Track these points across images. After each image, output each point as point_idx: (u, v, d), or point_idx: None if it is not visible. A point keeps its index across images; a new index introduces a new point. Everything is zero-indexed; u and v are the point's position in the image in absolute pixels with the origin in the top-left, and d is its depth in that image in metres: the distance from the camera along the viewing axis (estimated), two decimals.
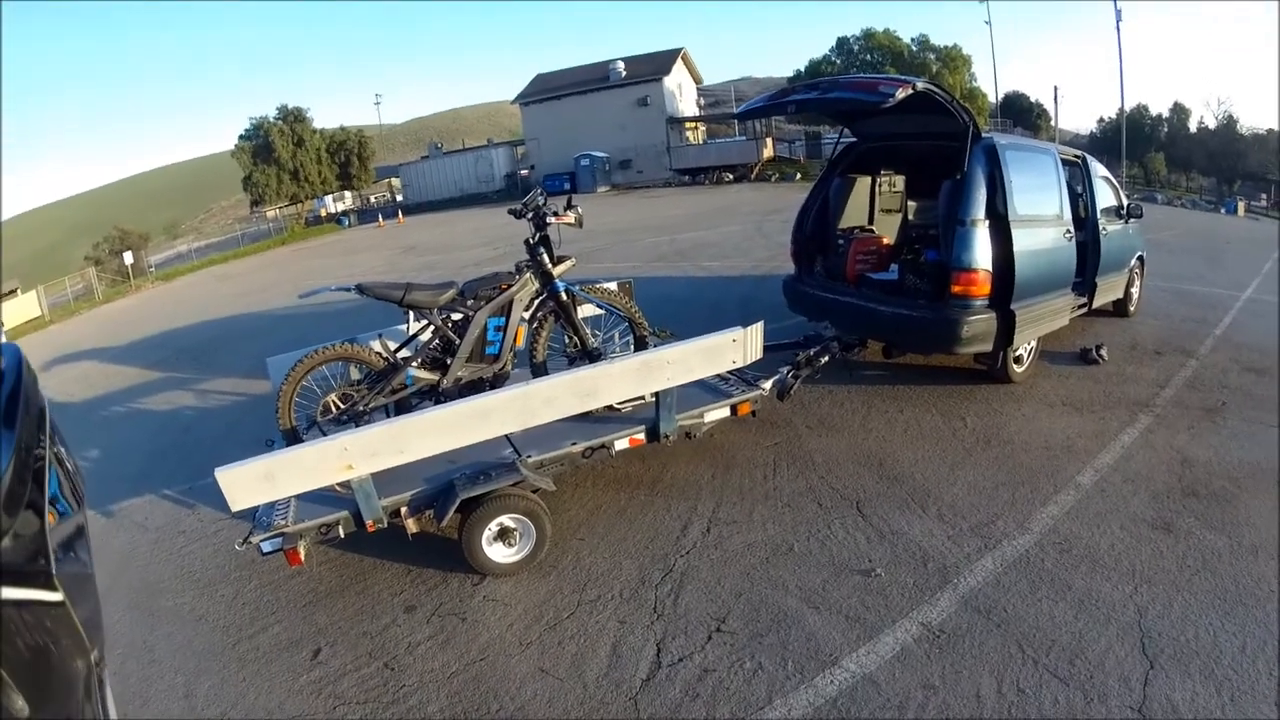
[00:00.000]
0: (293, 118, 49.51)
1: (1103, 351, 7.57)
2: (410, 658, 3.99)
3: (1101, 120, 62.59)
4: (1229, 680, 3.33)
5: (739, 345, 5.01)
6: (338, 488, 4.35)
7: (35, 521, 1.55)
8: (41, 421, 1.85)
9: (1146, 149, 57.18)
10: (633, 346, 5.73)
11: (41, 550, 1.54)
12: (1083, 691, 3.31)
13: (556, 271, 5.38)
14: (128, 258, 35.49)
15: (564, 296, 5.41)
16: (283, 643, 4.28)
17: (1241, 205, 39.37)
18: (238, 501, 3.94)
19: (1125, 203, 8.85)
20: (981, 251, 6.15)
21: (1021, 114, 60.09)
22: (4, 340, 1.89)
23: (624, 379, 4.72)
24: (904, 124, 7.14)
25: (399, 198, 52.90)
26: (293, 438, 4.85)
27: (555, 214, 5.38)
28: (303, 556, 4.33)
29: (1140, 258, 9.48)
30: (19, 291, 30.60)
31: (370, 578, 4.78)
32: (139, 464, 7.54)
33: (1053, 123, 53.50)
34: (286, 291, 17.74)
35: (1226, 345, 8.21)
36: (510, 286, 5.27)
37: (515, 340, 5.32)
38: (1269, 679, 3.32)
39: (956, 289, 6.21)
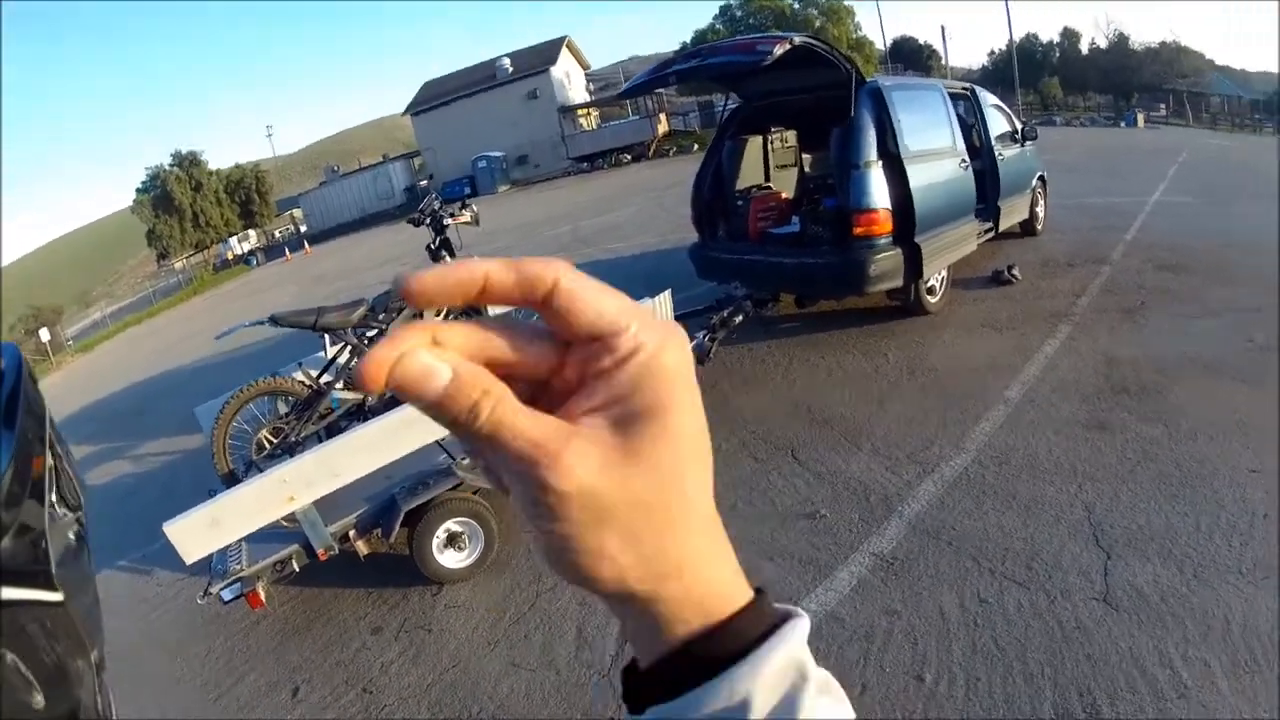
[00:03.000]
0: (188, 162, 48.44)
1: (1015, 271, 7.77)
2: (386, 678, 3.99)
3: (992, 53, 63.74)
4: (1189, 557, 3.45)
5: None
6: (284, 522, 4.31)
7: (35, 522, 1.55)
8: (41, 422, 1.83)
9: (1040, 75, 58.16)
10: None
11: (41, 550, 1.54)
12: (1044, 591, 3.42)
13: None
14: (44, 335, 34.38)
15: None
16: (261, 688, 4.24)
17: (1141, 117, 40.56)
18: (190, 553, 3.89)
19: (1019, 127, 9.08)
20: (878, 191, 6.27)
21: (911, 56, 60.85)
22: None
23: None
24: (789, 80, 7.23)
25: (303, 228, 52.03)
26: (232, 481, 4.78)
27: (451, 215, 5.38)
28: (263, 598, 4.30)
29: (1041, 178, 9.74)
30: None
31: (333, 607, 4.75)
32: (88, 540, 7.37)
33: (944, 62, 54.52)
34: (205, 340, 17.31)
35: (1138, 249, 8.49)
36: None
37: None
38: (1228, 549, 3.45)
39: (859, 230, 6.32)
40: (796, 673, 0.38)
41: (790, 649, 0.39)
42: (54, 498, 1.75)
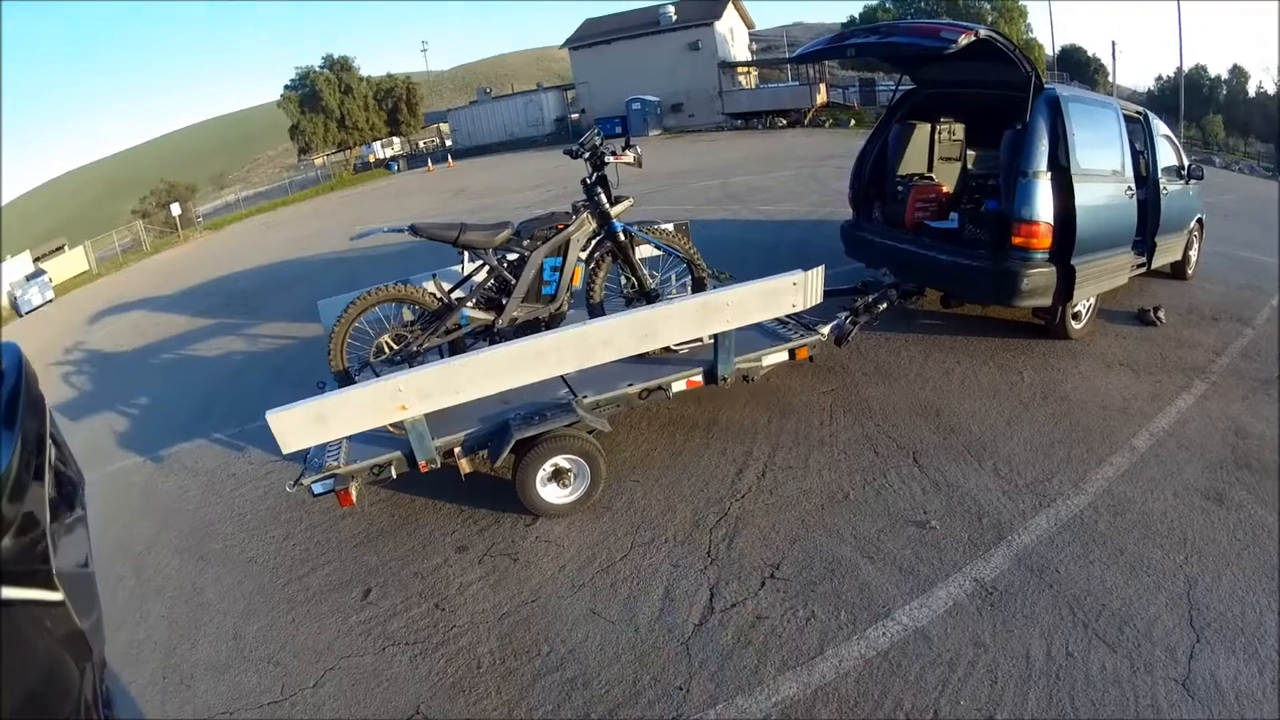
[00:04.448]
0: (339, 67, 49.52)
1: (1160, 313, 7.40)
2: (461, 598, 4.04)
3: (1160, 78, 60.90)
4: (1272, 660, 3.27)
5: (799, 289, 4.95)
6: (391, 428, 4.37)
7: (36, 521, 1.56)
8: (42, 421, 1.85)
9: (1205, 111, 55.56)
10: (690, 288, 5.69)
11: (42, 550, 1.54)
12: (1129, 660, 3.28)
13: (614, 212, 5.31)
14: (175, 209, 35.61)
15: (621, 237, 5.35)
16: (333, 583, 4.35)
17: None
18: (289, 444, 3.97)
19: (1186, 163, 8.60)
20: (1043, 204, 6.00)
21: (1078, 68, 58.44)
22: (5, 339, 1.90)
23: (682, 320, 4.68)
24: (962, 71, 6.98)
25: (448, 143, 52.57)
26: (345, 379, 4.87)
27: (614, 153, 5.31)
28: (354, 497, 4.38)
29: (1200, 220, 9.22)
30: (66, 248, 30.70)
31: (422, 518, 4.83)
32: (190, 409, 7.66)
33: (1110, 78, 52.05)
34: (336, 236, 17.75)
35: None
36: (567, 227, 5.22)
37: (572, 281, 5.28)
38: None
39: (1017, 240, 6.08)
40: None
41: None
42: (55, 497, 1.76)
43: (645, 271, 5.56)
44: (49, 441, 1.81)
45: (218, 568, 4.74)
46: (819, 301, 5.19)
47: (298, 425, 3.95)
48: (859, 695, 3.20)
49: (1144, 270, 7.71)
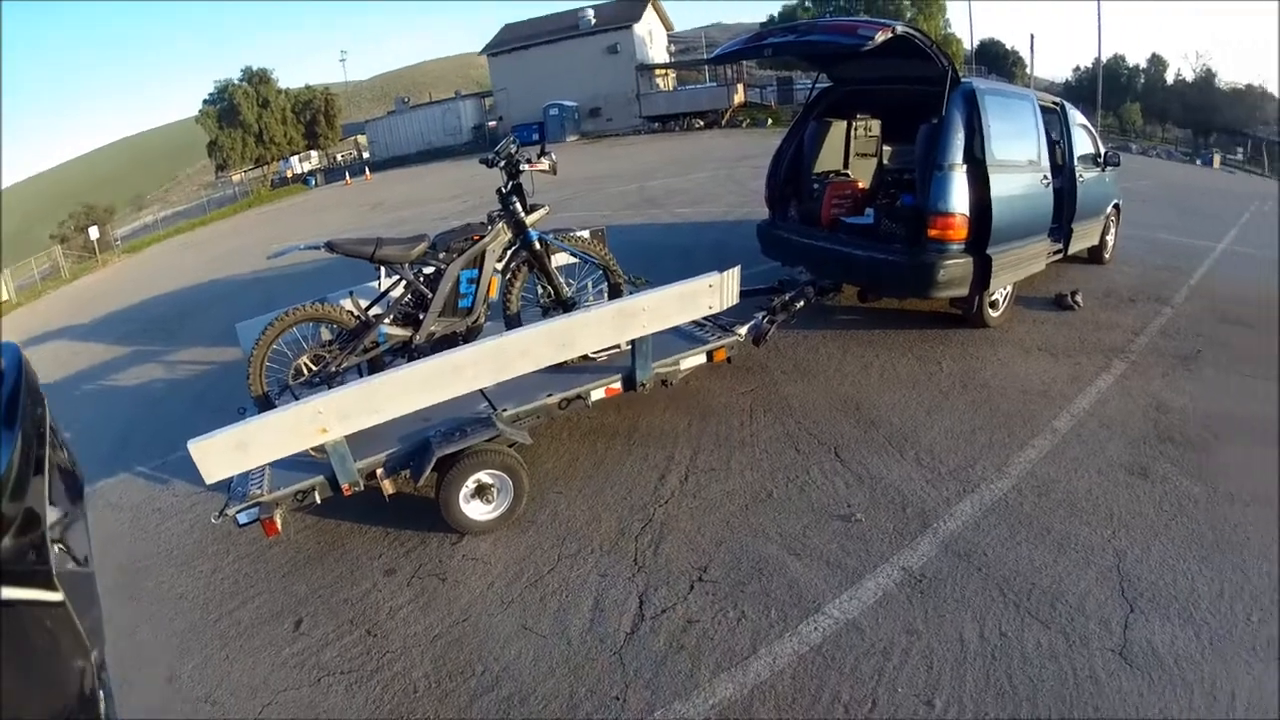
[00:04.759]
0: (257, 79, 48.80)
1: (1078, 297, 7.58)
2: (392, 622, 3.95)
3: (1077, 69, 62.29)
4: (1207, 624, 3.36)
5: (715, 291, 4.97)
6: (312, 452, 4.28)
7: (36, 521, 1.53)
8: (42, 420, 1.81)
9: (1122, 99, 57.01)
10: (607, 295, 5.66)
11: (41, 550, 1.51)
12: (1064, 635, 3.34)
13: (530, 220, 5.27)
14: (93, 233, 34.97)
15: (537, 246, 5.31)
16: (264, 616, 4.22)
17: (1217, 158, 39.49)
18: (212, 473, 3.86)
19: (1102, 151, 8.83)
20: (959, 196, 6.10)
21: (997, 61, 59.61)
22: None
23: (599, 328, 4.67)
24: (879, 68, 7.06)
25: (366, 154, 52.42)
26: (265, 404, 4.75)
27: (529, 161, 5.27)
28: (279, 525, 4.26)
29: (1116, 205, 9.48)
30: None
31: (348, 542, 4.73)
32: (111, 442, 7.41)
33: (1028, 70, 53.30)
34: (254, 255, 17.42)
35: (1201, 295, 8.23)
36: (483, 237, 5.16)
37: (489, 292, 5.22)
38: (1246, 623, 3.36)
39: (933, 233, 6.17)
40: None
41: None
42: (55, 497, 1.71)
43: (561, 280, 5.53)
44: (49, 441, 1.76)
45: (150, 605, 4.57)
46: (736, 302, 5.21)
47: (219, 454, 3.83)
48: (796, 691, 3.20)
49: (1061, 256, 7.89)
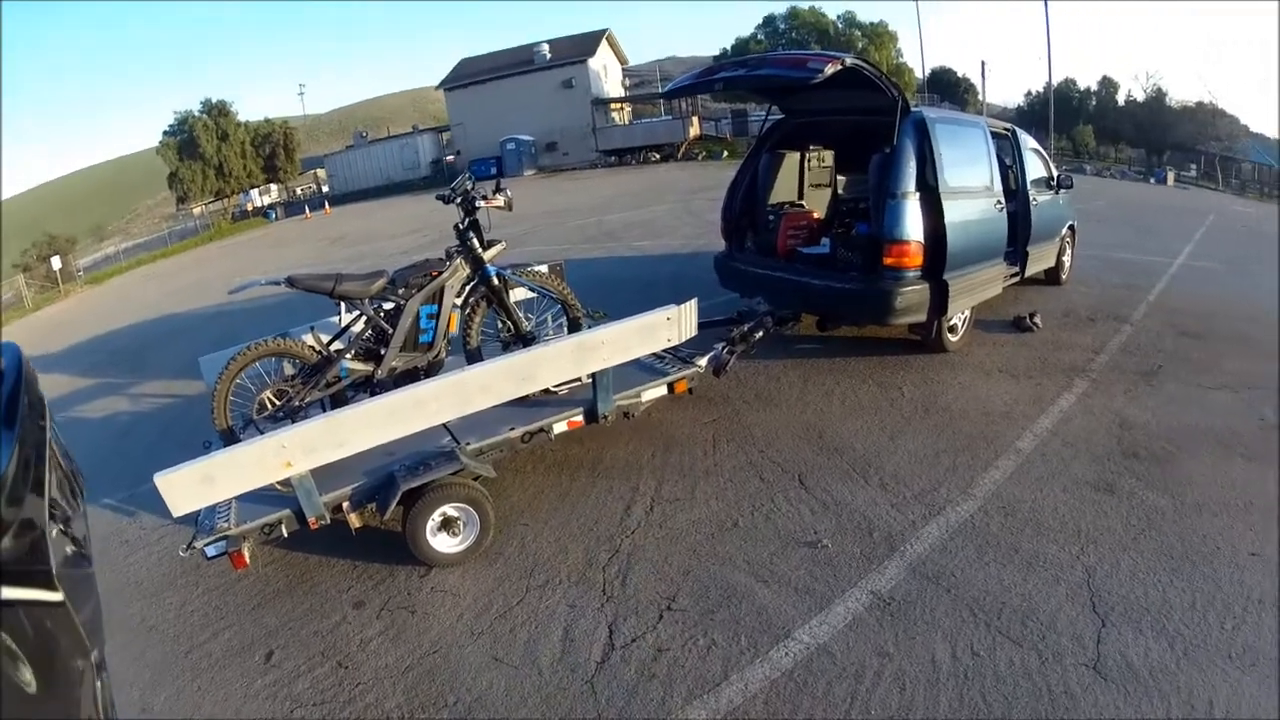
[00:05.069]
0: (217, 111, 48.76)
1: (1037, 319, 7.71)
2: (363, 655, 3.93)
3: (1029, 94, 63.42)
4: (1181, 634, 3.42)
5: (673, 323, 5.01)
6: (278, 486, 4.28)
7: (36, 521, 1.53)
8: (43, 421, 1.81)
9: (1075, 122, 57.97)
10: (566, 329, 5.70)
11: (41, 550, 1.51)
12: (1037, 652, 3.38)
13: (487, 256, 5.32)
14: (55, 263, 34.55)
15: (495, 281, 5.36)
16: (235, 648, 4.19)
17: (1170, 175, 40.34)
18: (179, 506, 3.84)
19: (1055, 174, 9.02)
20: (913, 223, 6.20)
21: (948, 89, 60.70)
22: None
23: (560, 361, 4.69)
24: (832, 99, 7.15)
25: (325, 188, 52.23)
26: (230, 438, 4.73)
27: (484, 198, 5.32)
28: (248, 558, 4.26)
29: (1071, 227, 9.68)
30: None
31: (317, 575, 4.70)
32: None
33: (980, 97, 54.25)
34: (216, 289, 17.26)
35: (1160, 311, 8.42)
36: (441, 273, 5.21)
37: (449, 327, 5.26)
38: (1220, 631, 3.42)
39: (889, 261, 6.26)
40: None
41: None
42: (55, 497, 1.72)
43: (521, 314, 5.58)
44: (49, 441, 1.76)
45: (120, 637, 4.50)
46: (694, 334, 5.26)
47: (186, 487, 3.82)
48: (769, 715, 3.22)
49: (1018, 279, 8.03)
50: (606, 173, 38.37)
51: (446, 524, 4.53)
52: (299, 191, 55.60)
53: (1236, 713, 2.98)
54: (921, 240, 6.23)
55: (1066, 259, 9.67)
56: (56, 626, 1.55)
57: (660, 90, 45.36)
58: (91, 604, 1.82)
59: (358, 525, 4.50)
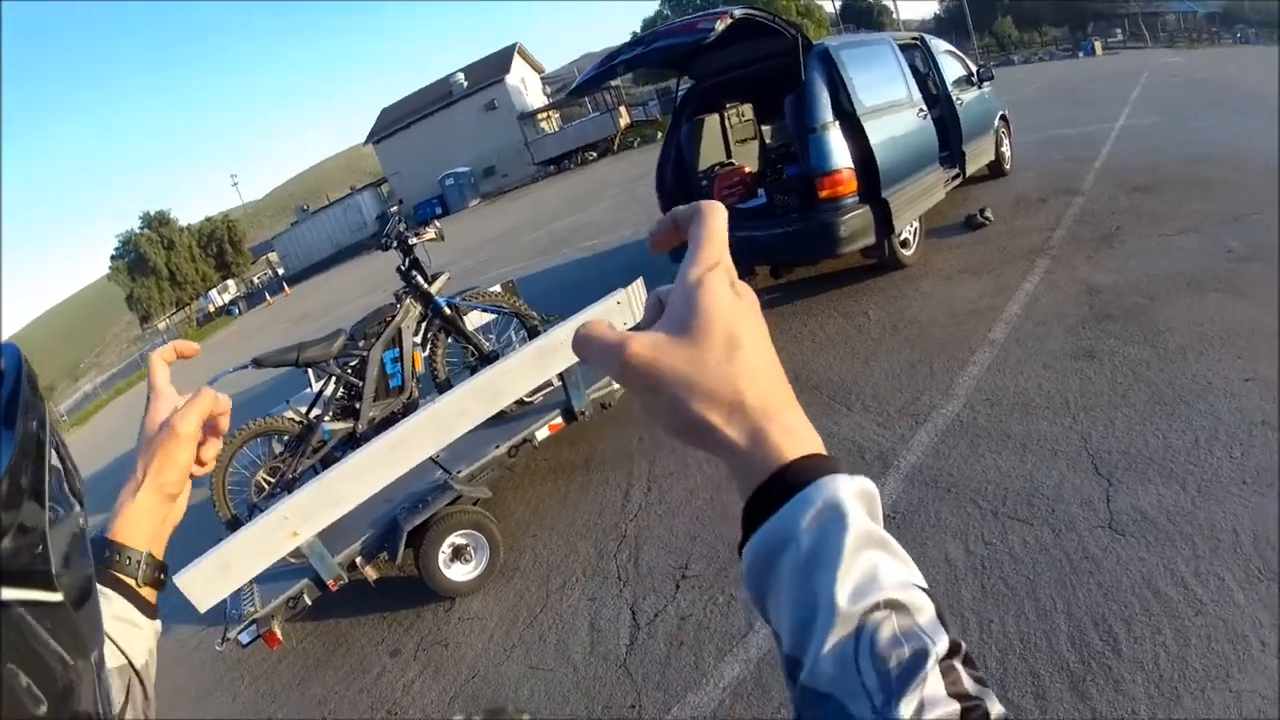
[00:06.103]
0: (157, 222, 48.83)
1: (987, 213, 7.77)
2: (409, 698, 3.99)
3: (944, 2, 63.62)
4: (1191, 474, 3.45)
5: (624, 306, 5.04)
6: (291, 558, 4.31)
7: (35, 522, 1.54)
8: (42, 422, 1.83)
9: (994, 17, 58.08)
10: (527, 339, 5.75)
11: (41, 550, 1.53)
12: (1049, 526, 3.42)
13: (434, 289, 5.39)
14: None
15: (448, 311, 5.42)
16: None
17: (1098, 44, 40.55)
18: (203, 601, 3.89)
19: (974, 69, 9.08)
20: (839, 152, 6.26)
21: (862, 16, 60.59)
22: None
23: (524, 370, 4.73)
24: (738, 54, 7.22)
25: (280, 270, 52.19)
26: (236, 527, 4.77)
27: (415, 235, 5.39)
28: (280, 635, 4.30)
29: (1003, 117, 9.74)
30: None
31: (350, 636, 4.76)
32: None
33: (895, 16, 54.31)
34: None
35: (1109, 175, 8.49)
36: (394, 317, 5.28)
37: (415, 366, 5.32)
38: (1229, 461, 3.45)
39: (824, 194, 6.31)
40: (834, 512, 0.44)
41: (832, 491, 0.44)
42: (54, 497, 1.73)
43: (481, 337, 5.65)
44: (49, 441, 1.78)
45: None
46: None
47: (205, 580, 3.86)
48: None
49: (961, 180, 8.10)
50: (547, 183, 38.33)
51: (457, 553, 4.59)
52: (256, 280, 55.52)
53: (1264, 533, 3.00)
54: (851, 166, 6.28)
55: (1006, 149, 9.73)
56: (56, 627, 1.57)
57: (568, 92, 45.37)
58: (91, 603, 1.84)
59: (374, 577, 4.55)
